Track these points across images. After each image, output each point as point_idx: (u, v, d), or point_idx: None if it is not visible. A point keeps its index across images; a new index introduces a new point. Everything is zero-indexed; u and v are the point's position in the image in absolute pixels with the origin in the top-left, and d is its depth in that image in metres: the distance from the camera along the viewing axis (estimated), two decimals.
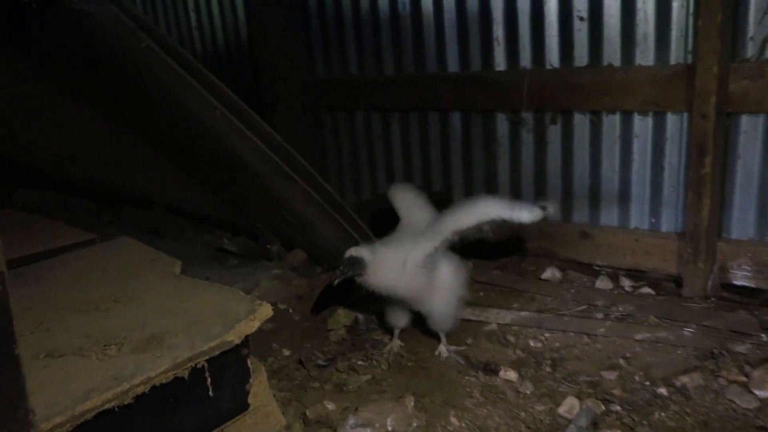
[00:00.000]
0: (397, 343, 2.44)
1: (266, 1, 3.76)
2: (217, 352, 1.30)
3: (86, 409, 1.09)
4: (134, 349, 1.26)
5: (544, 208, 2.21)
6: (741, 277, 2.61)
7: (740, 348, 2.19)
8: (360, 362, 2.35)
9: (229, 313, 1.40)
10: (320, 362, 2.39)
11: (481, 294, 2.83)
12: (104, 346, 1.26)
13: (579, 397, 2.04)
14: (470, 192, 3.36)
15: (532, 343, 2.41)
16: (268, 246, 3.39)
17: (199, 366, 1.27)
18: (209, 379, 1.31)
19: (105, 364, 1.21)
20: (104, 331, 1.33)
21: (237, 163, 2.62)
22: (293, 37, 3.77)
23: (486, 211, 2.14)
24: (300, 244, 3.28)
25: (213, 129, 2.36)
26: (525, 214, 2.13)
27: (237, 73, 4.27)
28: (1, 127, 3.96)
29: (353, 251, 2.32)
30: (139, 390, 1.17)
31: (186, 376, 1.25)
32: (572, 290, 2.76)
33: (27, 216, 2.36)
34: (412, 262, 2.18)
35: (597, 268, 2.96)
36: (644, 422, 1.90)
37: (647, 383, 2.10)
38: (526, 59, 2.97)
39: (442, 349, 2.37)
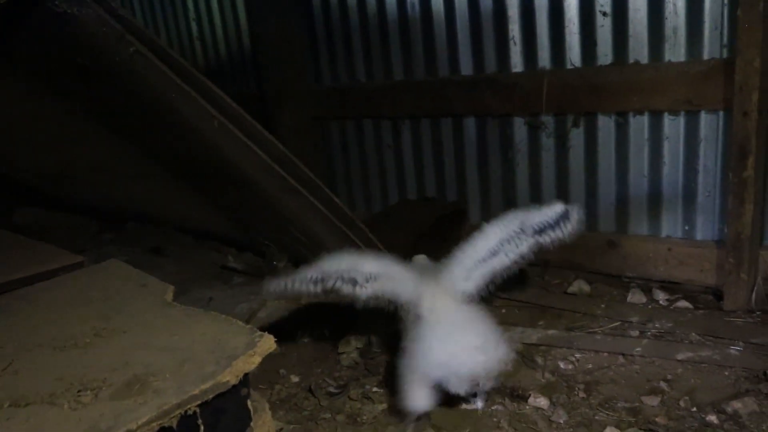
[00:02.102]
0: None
1: (269, 9, 3.61)
2: (211, 396, 1.12)
3: None
4: (113, 395, 1.08)
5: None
6: None
7: None
8: (375, 389, 2.16)
9: (225, 347, 1.22)
10: (331, 390, 2.20)
11: (504, 311, 2.63)
12: (78, 391, 1.08)
13: (619, 426, 1.84)
14: (487, 202, 3.18)
15: (562, 365, 2.21)
16: (275, 263, 3.22)
17: (189, 413, 1.09)
18: (202, 427, 1.12)
19: (78, 415, 1.03)
20: (81, 373, 1.15)
21: (240, 178, 2.45)
22: (297, 44, 3.61)
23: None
24: (309, 260, 3.09)
25: (212, 141, 2.18)
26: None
27: (240, 84, 4.13)
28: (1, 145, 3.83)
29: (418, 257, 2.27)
30: None
31: (174, 426, 1.07)
32: (602, 305, 2.56)
33: (14, 237, 2.19)
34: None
35: (626, 280, 2.76)
36: None
37: (694, 409, 1.90)
38: (545, 59, 2.79)
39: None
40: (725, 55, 2.34)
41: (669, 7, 2.42)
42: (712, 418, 1.84)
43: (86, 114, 2.86)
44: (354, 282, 1.79)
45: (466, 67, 3.04)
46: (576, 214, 1.91)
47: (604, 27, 2.59)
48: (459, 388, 1.77)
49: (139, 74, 1.93)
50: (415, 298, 1.85)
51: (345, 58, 3.49)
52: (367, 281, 1.80)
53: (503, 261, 1.86)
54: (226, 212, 3.23)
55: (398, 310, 1.89)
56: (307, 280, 1.86)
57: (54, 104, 2.88)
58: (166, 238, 3.89)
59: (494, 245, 1.87)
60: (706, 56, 2.39)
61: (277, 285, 1.94)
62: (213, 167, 2.42)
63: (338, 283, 1.80)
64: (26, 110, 3.18)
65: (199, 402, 1.10)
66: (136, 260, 3.52)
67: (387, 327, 2.33)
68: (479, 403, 1.96)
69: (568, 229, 1.89)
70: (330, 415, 2.05)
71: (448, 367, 1.74)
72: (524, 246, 1.87)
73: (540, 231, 1.88)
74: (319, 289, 1.84)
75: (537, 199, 2.99)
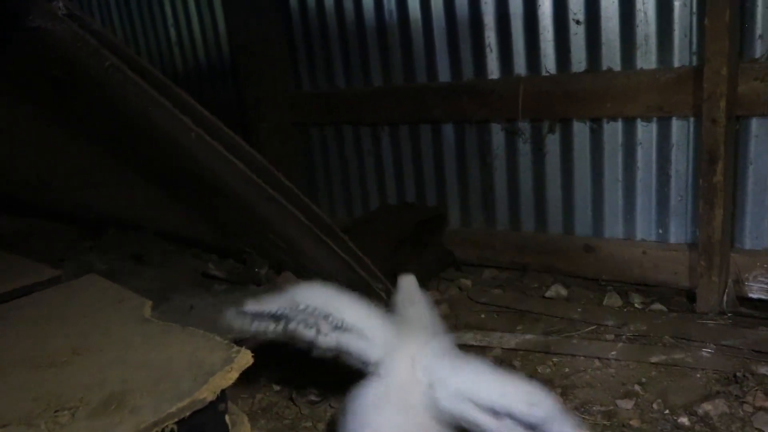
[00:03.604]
0: None
1: (248, 16, 3.62)
2: (188, 413, 1.13)
3: None
4: (90, 414, 1.09)
5: None
6: (757, 290, 2.46)
7: (765, 369, 2.04)
8: None
9: (202, 363, 1.24)
10: (312, 398, 2.21)
11: (483, 316, 2.67)
12: (55, 411, 1.09)
13: (594, 430, 1.88)
14: (466, 207, 3.21)
15: (540, 369, 2.24)
16: (257, 269, 3.22)
17: (167, 430, 1.10)
18: None
19: None
20: (58, 393, 1.16)
21: (219, 187, 2.46)
22: (277, 51, 3.62)
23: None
24: (290, 266, 3.12)
25: (190, 152, 2.19)
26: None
27: (220, 90, 4.13)
28: None
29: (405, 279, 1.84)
30: None
31: None
32: (579, 309, 2.60)
33: None
34: None
35: (603, 284, 2.81)
36: None
37: (666, 412, 1.94)
38: (520, 66, 2.83)
39: None
40: (695, 62, 2.39)
41: (640, 16, 2.47)
42: (684, 420, 1.89)
43: (65, 124, 2.85)
44: (317, 327, 1.59)
45: (444, 74, 3.07)
46: None
47: (577, 35, 2.63)
48: None
49: (115, 87, 1.93)
50: (379, 359, 1.58)
51: (324, 64, 3.50)
52: (334, 329, 1.58)
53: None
54: (206, 219, 3.23)
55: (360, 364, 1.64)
56: (269, 315, 1.65)
57: (32, 114, 2.87)
58: (147, 244, 3.87)
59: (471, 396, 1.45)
60: (676, 64, 2.44)
61: (236, 318, 1.74)
62: (192, 177, 2.43)
63: (300, 327, 1.60)
64: (3, 120, 3.15)
65: (176, 419, 1.11)
66: (117, 268, 3.52)
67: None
68: None
69: None
70: (311, 424, 2.06)
71: None
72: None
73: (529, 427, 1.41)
74: (279, 329, 1.63)
75: (515, 203, 3.04)
